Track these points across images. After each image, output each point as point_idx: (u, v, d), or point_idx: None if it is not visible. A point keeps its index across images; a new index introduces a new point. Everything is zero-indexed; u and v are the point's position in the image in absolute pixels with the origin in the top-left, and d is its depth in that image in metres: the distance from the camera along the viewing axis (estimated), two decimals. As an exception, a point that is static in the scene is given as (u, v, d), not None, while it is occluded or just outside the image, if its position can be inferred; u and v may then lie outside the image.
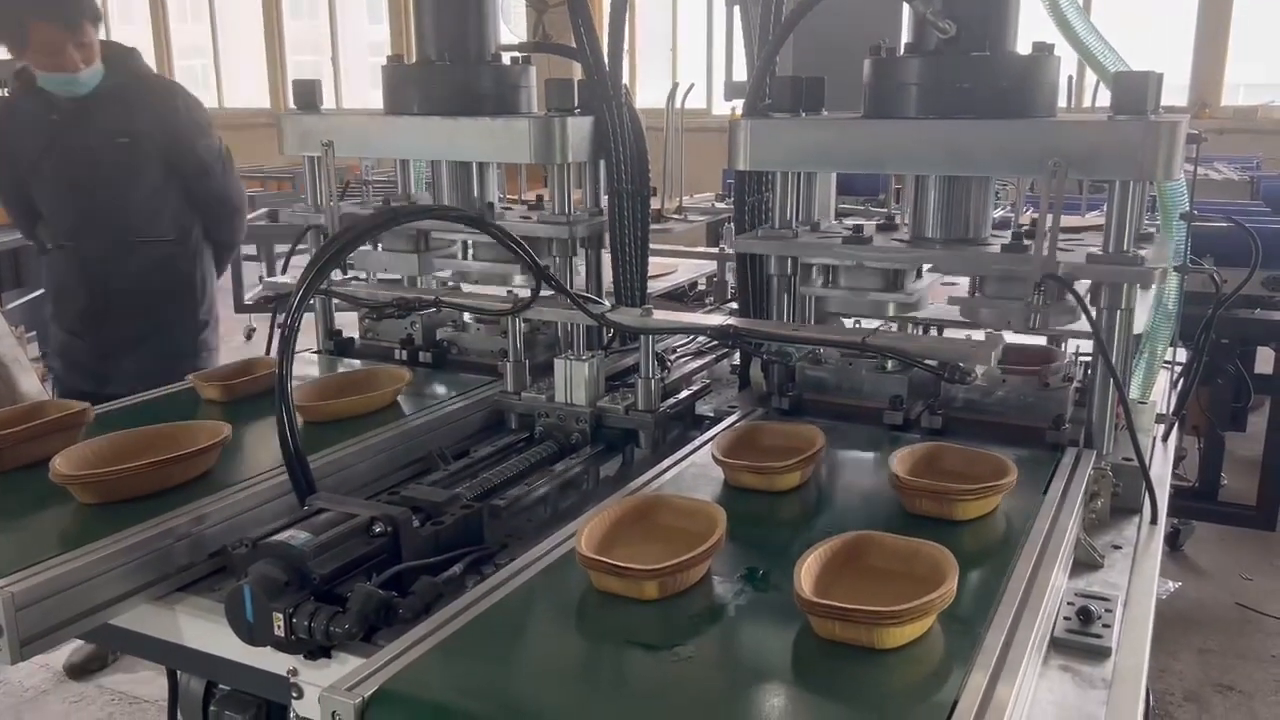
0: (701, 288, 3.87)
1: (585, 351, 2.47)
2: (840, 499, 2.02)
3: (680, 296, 3.73)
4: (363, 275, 3.01)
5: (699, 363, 2.83)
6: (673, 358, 2.82)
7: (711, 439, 2.15)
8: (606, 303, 2.50)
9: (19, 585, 1.53)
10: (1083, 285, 2.12)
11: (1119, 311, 2.12)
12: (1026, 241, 2.16)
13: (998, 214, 2.99)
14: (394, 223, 2.28)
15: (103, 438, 2.01)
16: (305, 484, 1.83)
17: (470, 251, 2.84)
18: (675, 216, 3.64)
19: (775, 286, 2.43)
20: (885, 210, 2.82)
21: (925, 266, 2.37)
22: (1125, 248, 2.06)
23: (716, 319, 2.43)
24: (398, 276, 2.94)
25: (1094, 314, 2.07)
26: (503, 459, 2.25)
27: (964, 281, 2.48)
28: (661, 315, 2.36)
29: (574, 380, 2.39)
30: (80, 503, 1.83)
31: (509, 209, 2.88)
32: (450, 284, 3.05)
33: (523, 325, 2.53)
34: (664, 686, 1.35)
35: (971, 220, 2.31)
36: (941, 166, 2.20)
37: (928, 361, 2.05)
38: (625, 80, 2.71)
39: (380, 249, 2.81)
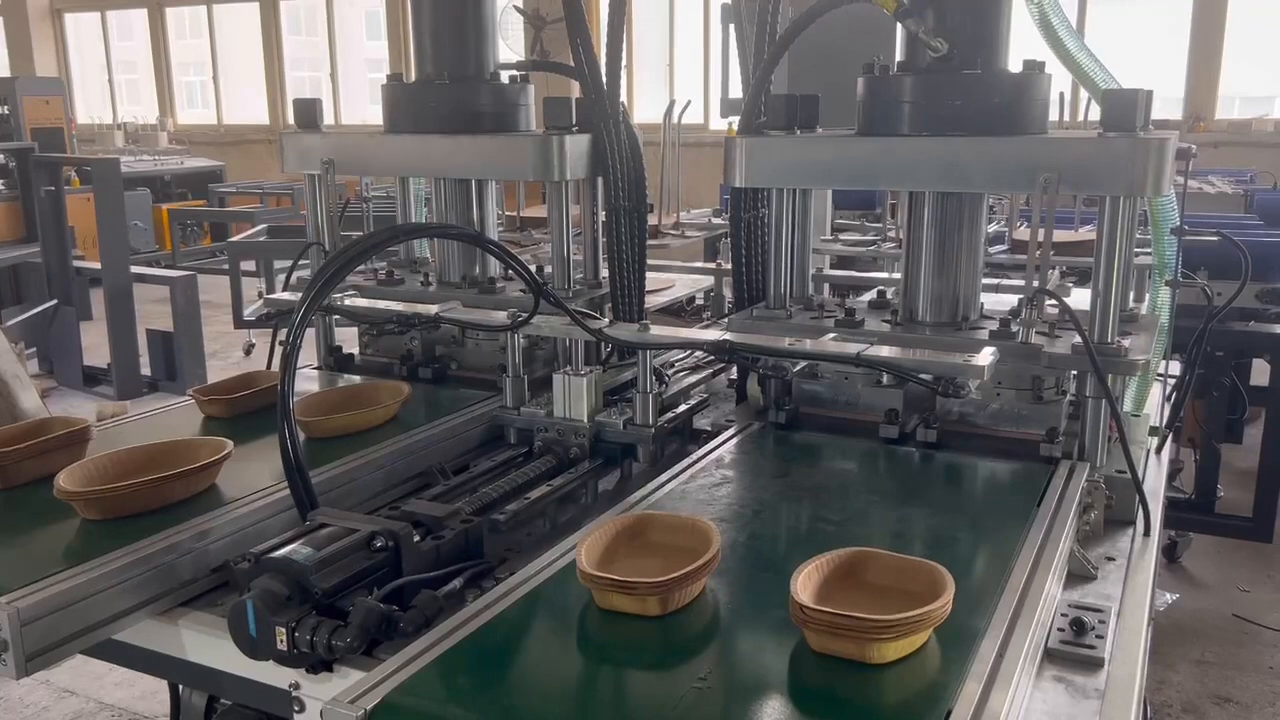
0: (699, 302, 3.89)
1: (583, 367, 2.49)
2: (731, 630, 1.53)
3: (678, 311, 3.75)
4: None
5: (696, 377, 2.85)
6: (670, 372, 2.84)
7: (584, 534, 1.72)
8: (605, 319, 2.51)
9: (24, 601, 1.55)
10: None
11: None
12: (1014, 329, 2.20)
13: (991, 229, 3.03)
14: (394, 240, 2.31)
15: (106, 454, 2.02)
16: (307, 499, 1.85)
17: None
18: (673, 232, 3.67)
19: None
20: (880, 225, 2.85)
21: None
22: (1109, 339, 2.11)
23: (713, 334, 2.45)
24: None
25: (1086, 332, 2.10)
26: (502, 474, 2.27)
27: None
28: (659, 330, 2.38)
29: (572, 395, 2.40)
30: (84, 518, 1.84)
31: (510, 281, 2.85)
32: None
33: (521, 340, 2.55)
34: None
35: (961, 302, 2.36)
36: (935, 183, 2.23)
37: (922, 376, 2.07)
38: (623, 98, 2.74)
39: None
